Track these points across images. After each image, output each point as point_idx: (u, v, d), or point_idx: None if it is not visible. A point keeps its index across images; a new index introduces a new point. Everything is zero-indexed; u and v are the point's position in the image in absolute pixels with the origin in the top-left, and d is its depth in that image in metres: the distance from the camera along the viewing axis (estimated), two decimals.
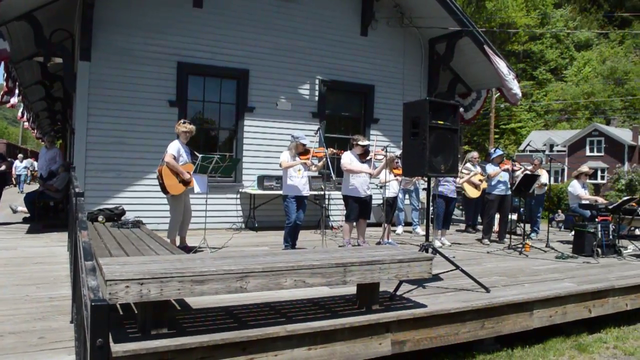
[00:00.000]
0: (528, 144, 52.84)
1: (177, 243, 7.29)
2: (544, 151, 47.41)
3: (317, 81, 11.35)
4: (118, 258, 4.44)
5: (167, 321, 3.65)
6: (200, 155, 7.05)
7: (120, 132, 9.45)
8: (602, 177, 47.42)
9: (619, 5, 65.77)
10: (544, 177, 10.63)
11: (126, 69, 9.48)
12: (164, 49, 9.78)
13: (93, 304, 2.20)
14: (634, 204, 9.66)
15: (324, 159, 7.82)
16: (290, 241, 7.62)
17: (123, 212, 8.74)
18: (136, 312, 3.75)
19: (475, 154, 10.55)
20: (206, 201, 7.50)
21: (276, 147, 10.28)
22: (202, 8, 10.07)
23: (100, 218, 8.38)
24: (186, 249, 7.19)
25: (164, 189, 7.04)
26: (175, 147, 7.14)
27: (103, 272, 3.35)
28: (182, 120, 7.53)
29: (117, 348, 3.28)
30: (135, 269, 3.50)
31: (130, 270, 3.45)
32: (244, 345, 3.66)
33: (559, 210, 19.87)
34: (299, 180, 7.52)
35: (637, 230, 12.24)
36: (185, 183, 7.12)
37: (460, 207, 15.72)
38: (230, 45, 10.35)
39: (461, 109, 13.56)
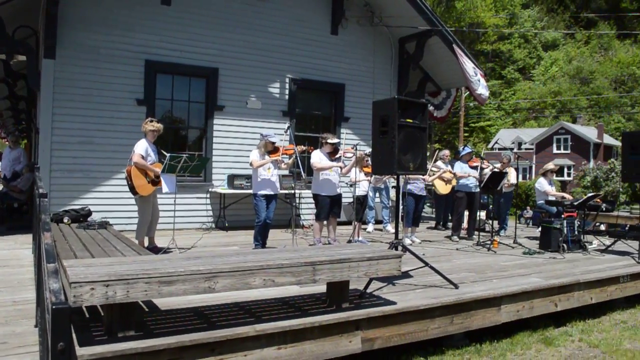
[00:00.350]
0: (496, 142, 53.79)
1: (146, 244, 7.19)
2: (512, 149, 48.26)
3: (287, 80, 11.32)
4: (83, 260, 4.36)
5: (134, 323, 3.60)
6: (168, 155, 6.96)
7: (87, 132, 9.27)
8: (569, 174, 48.45)
9: (584, 6, 67.25)
10: (512, 175, 10.80)
11: (92, 67, 9.30)
12: (131, 47, 9.63)
13: (54, 307, 2.16)
14: (598, 200, 9.90)
15: (294, 157, 7.81)
16: (261, 240, 7.58)
17: (89, 213, 8.59)
18: (102, 314, 3.68)
19: (446, 152, 10.66)
20: (175, 201, 7.41)
21: (246, 146, 10.21)
22: (170, 5, 9.94)
23: (65, 219, 8.22)
24: (155, 249, 7.11)
25: (132, 190, 6.93)
26: (142, 147, 7.04)
27: (67, 275, 3.29)
28: (149, 119, 7.42)
29: (82, 352, 3.22)
30: (101, 270, 3.44)
31: (95, 272, 3.39)
32: (213, 345, 3.63)
33: (527, 207, 20.24)
34: (269, 178, 7.48)
35: (602, 225, 12.55)
36: (154, 183, 7.03)
37: (429, 204, 15.89)
38: (199, 43, 10.25)
39: (431, 108, 13.70)
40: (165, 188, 7.05)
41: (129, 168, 6.95)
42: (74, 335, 3.50)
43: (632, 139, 7.84)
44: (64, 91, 9.07)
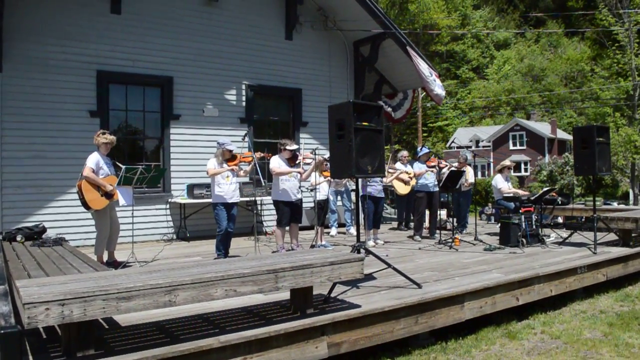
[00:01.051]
0: (452, 141, 54.70)
1: (105, 258, 7.02)
2: (469, 147, 49.16)
3: (243, 86, 11.24)
4: (37, 279, 4.20)
5: (93, 341, 3.49)
6: (123, 167, 6.82)
7: (38, 146, 9.01)
8: (526, 170, 49.63)
9: (533, 5, 69.05)
10: (469, 174, 10.99)
11: (42, 80, 9.04)
12: (81, 58, 9.40)
13: (2, 331, 2.06)
14: (554, 194, 10.15)
15: (252, 164, 7.75)
16: (223, 249, 7.49)
17: (44, 230, 8.32)
18: (60, 334, 3.56)
19: (405, 153, 10.76)
20: (132, 213, 7.27)
21: (205, 155, 10.03)
22: (120, 14, 9.76)
23: (18, 237, 7.93)
24: (115, 264, 6.93)
25: (85, 205, 6.75)
26: (93, 160, 6.87)
27: (20, 295, 3.17)
28: (101, 131, 7.24)
29: None
30: (56, 289, 3.33)
31: (50, 291, 3.28)
32: None
33: (489, 204, 20.60)
34: (228, 187, 7.41)
35: (559, 218, 12.88)
36: (109, 196, 6.85)
37: (390, 204, 16.03)
38: (151, 52, 10.09)
39: (389, 109, 13.82)
40: (122, 201, 6.90)
41: (79, 182, 6.76)
42: (30, 359, 3.38)
43: (583, 133, 8.06)
44: (12, 105, 8.79)
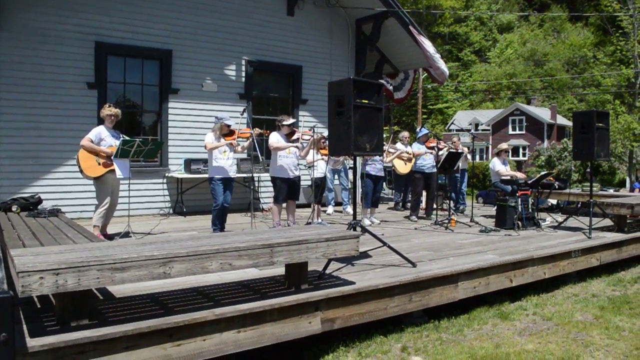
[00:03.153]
0: (452, 124, 54.63)
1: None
2: (468, 130, 49.08)
3: (243, 62, 11.15)
4: (32, 248, 4.20)
5: (87, 312, 3.50)
6: (120, 139, 6.81)
7: (36, 117, 8.95)
8: (524, 154, 49.66)
9: None
10: (466, 151, 11.08)
11: (39, 50, 8.95)
12: (80, 29, 9.29)
13: None
14: (551, 178, 10.15)
15: (250, 140, 7.72)
16: (219, 225, 7.50)
17: (40, 201, 8.31)
18: (54, 303, 3.57)
19: (406, 133, 10.76)
20: (129, 187, 7.24)
21: (203, 130, 9.97)
22: None
23: (14, 208, 7.93)
24: (106, 237, 6.93)
25: (82, 172, 6.81)
26: (95, 132, 6.99)
27: (14, 264, 3.16)
28: (107, 104, 7.30)
29: (33, 342, 3.11)
30: (50, 259, 3.33)
31: (45, 260, 3.27)
32: (171, 331, 3.57)
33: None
34: (225, 161, 7.39)
35: (553, 202, 12.90)
36: (106, 165, 6.87)
37: (388, 185, 16.05)
38: (151, 24, 9.97)
39: (390, 87, 13.75)
40: (118, 173, 6.91)
41: (78, 152, 6.83)
42: (24, 327, 3.39)
43: (583, 118, 8.03)
44: (10, 75, 8.70)
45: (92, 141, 6.85)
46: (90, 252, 3.60)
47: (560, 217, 9.58)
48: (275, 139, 7.78)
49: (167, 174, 10.24)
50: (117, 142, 6.93)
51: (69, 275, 3.21)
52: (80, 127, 8.16)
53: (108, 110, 7.12)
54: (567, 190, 11.44)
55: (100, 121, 7.34)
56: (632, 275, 7.34)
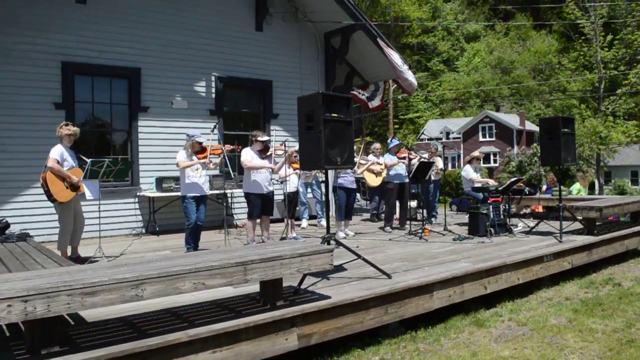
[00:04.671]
0: (423, 133, 55.17)
1: (69, 254, 6.88)
2: (440, 139, 49.62)
3: (213, 78, 11.12)
4: None
5: (58, 338, 3.44)
6: (89, 160, 6.69)
7: (1, 139, 8.77)
8: (495, 161, 50.35)
9: None
10: (439, 162, 11.13)
11: (4, 71, 8.78)
12: (46, 49, 9.16)
13: None
14: (521, 184, 10.31)
15: (222, 156, 7.68)
16: (192, 243, 7.42)
17: (7, 225, 8.11)
18: (24, 331, 3.49)
19: (377, 145, 10.82)
20: (99, 207, 7.13)
21: (174, 147, 9.88)
22: (85, 4, 9.53)
23: None
24: (78, 259, 6.80)
25: (50, 197, 6.60)
26: (58, 151, 6.72)
27: None
28: (63, 123, 7.06)
29: None
30: (18, 285, 3.26)
31: (12, 287, 3.21)
32: (144, 355, 3.52)
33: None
34: (198, 179, 7.34)
35: (528, 208, 13.09)
36: (74, 188, 6.72)
37: (362, 196, 16.10)
38: (118, 42, 9.88)
39: (364, 97, 13.80)
40: (88, 194, 6.77)
41: (44, 174, 6.60)
42: None
43: (549, 124, 8.19)
44: None
45: (58, 162, 6.64)
46: (60, 277, 3.54)
47: (532, 222, 9.71)
48: (248, 156, 7.75)
49: (138, 193, 10.11)
50: (77, 163, 6.79)
51: (37, 302, 3.15)
52: (47, 149, 7.89)
53: (66, 129, 6.82)
54: (537, 196, 11.61)
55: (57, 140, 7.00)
56: (603, 277, 7.47)
